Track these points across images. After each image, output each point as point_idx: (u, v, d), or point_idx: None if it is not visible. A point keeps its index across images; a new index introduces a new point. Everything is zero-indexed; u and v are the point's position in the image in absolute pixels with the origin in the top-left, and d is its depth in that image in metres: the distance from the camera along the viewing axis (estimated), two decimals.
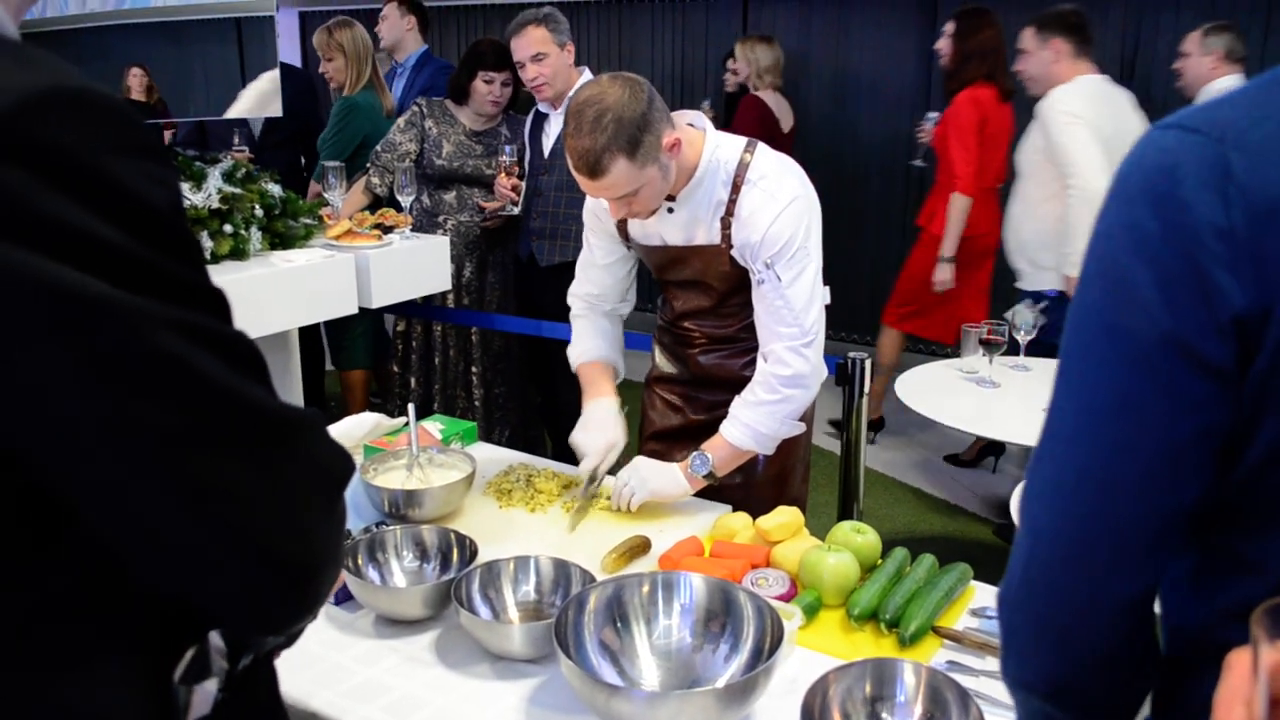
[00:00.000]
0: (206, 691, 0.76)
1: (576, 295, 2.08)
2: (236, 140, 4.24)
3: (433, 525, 1.63)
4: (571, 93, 3.09)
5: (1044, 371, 2.93)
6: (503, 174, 3.33)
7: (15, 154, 0.57)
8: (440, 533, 1.61)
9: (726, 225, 1.80)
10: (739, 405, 1.84)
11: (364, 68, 3.86)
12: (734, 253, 1.81)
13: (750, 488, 1.90)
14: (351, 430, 2.11)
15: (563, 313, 3.19)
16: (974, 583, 1.60)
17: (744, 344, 1.94)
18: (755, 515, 1.74)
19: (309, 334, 3.38)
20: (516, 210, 3.40)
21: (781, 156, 1.83)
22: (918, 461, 4.28)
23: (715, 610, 1.32)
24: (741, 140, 1.83)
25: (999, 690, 1.36)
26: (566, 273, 3.25)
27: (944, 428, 2.60)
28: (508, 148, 3.33)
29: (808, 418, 1.94)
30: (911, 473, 4.18)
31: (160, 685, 0.72)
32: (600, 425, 1.91)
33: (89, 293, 0.58)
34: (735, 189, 1.78)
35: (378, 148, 3.49)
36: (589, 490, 1.85)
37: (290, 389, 3.03)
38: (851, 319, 5.43)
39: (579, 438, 1.91)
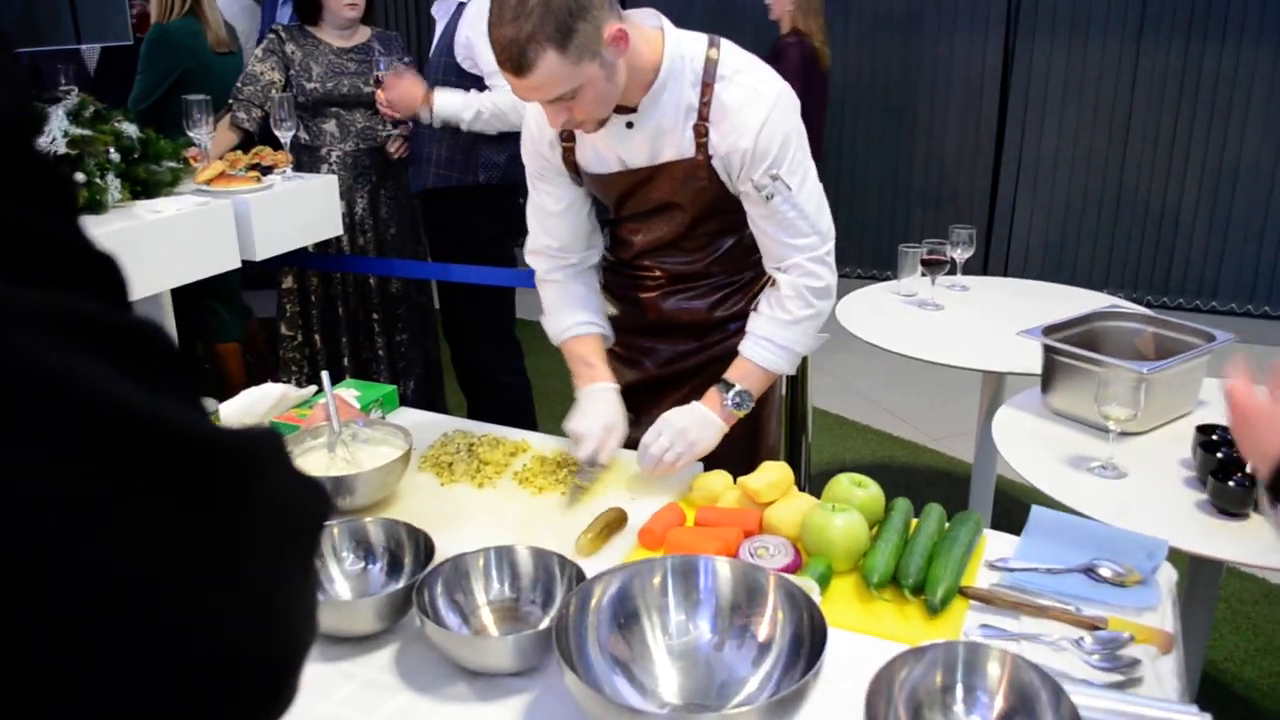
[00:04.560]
0: None
1: (536, 253, 1.79)
2: (64, 80, 3.72)
3: (376, 517, 1.38)
4: None
5: (982, 290, 2.82)
6: (380, 91, 2.99)
7: None
8: (386, 525, 1.35)
9: (701, 133, 1.57)
10: (770, 326, 1.65)
11: None
12: (715, 163, 1.59)
13: (724, 442, 1.69)
14: (254, 405, 1.82)
15: (455, 253, 2.95)
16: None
17: (714, 281, 1.73)
18: (733, 473, 1.55)
19: (180, 300, 2.95)
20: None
21: (746, 52, 1.61)
22: (836, 389, 4.18)
23: (739, 601, 1.13)
24: (703, 36, 1.59)
25: (1043, 655, 1.22)
26: (436, 200, 3.00)
27: (864, 354, 2.49)
28: (382, 61, 2.98)
29: None
30: (834, 401, 4.08)
31: None
32: (597, 410, 1.67)
33: None
34: (706, 89, 1.55)
35: (239, 82, 3.08)
36: (588, 475, 1.62)
37: None
38: None
39: (575, 424, 1.66)
